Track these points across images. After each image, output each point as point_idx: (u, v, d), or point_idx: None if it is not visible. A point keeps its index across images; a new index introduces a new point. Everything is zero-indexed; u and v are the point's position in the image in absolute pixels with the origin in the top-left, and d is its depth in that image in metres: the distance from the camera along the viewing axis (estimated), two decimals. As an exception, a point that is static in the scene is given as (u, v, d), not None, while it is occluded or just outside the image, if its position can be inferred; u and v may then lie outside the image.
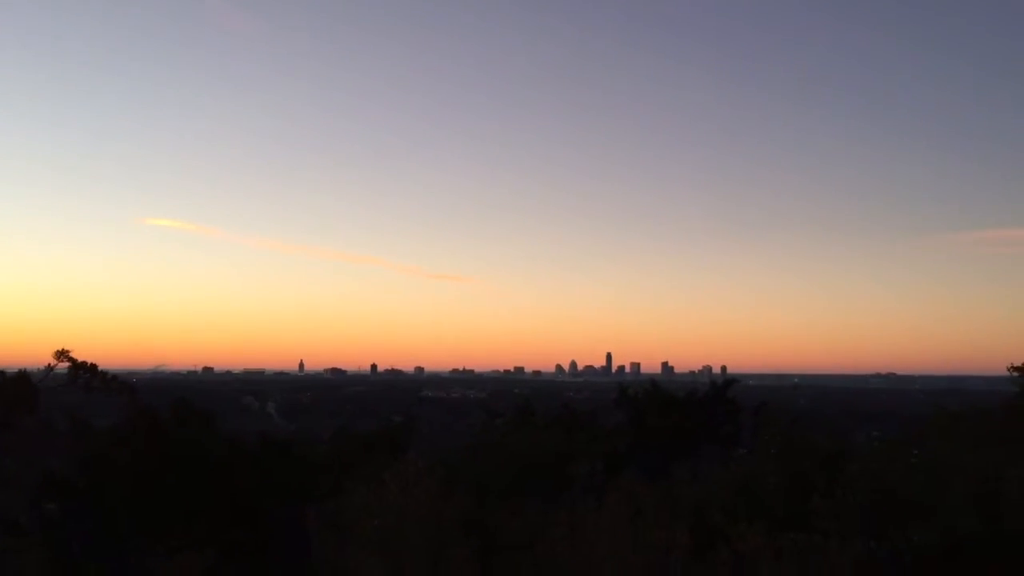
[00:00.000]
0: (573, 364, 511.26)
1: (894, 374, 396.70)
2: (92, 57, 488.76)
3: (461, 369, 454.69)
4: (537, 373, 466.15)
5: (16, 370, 26.81)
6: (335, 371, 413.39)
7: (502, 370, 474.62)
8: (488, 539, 20.15)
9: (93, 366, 25.33)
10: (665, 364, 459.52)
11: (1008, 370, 24.81)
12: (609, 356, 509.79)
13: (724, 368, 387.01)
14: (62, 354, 24.44)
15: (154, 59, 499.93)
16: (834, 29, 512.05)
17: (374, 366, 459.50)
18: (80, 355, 25.44)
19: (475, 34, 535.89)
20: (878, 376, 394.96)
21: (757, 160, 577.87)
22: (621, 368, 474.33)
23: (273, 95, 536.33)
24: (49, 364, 24.76)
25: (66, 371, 24.93)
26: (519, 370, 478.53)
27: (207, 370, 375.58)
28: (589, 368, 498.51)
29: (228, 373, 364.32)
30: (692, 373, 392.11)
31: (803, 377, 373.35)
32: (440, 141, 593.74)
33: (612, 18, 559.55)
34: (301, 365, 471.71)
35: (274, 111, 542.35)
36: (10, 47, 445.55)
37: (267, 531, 26.30)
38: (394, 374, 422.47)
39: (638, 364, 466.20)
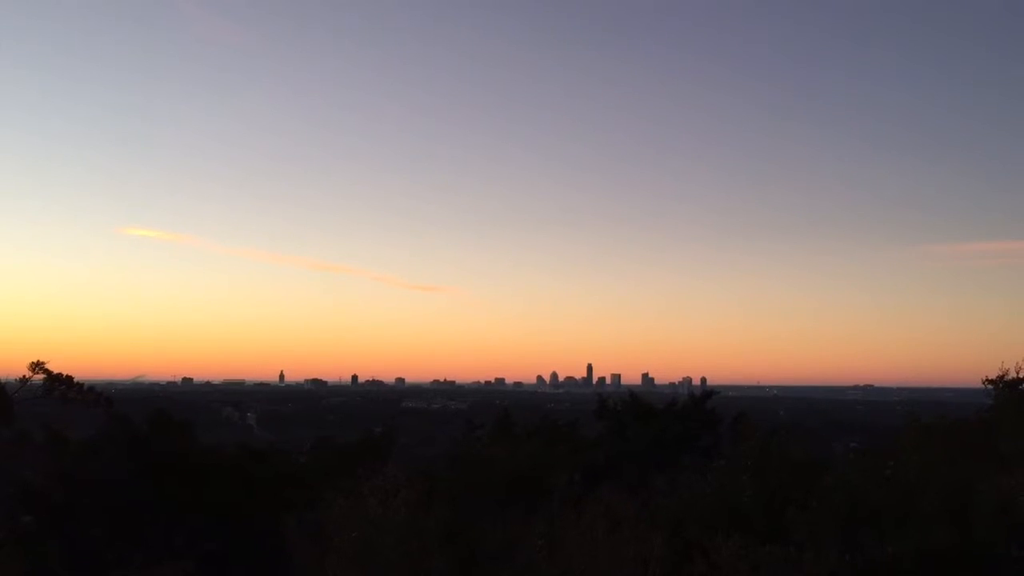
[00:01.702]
0: (554, 375, 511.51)
1: (872, 386, 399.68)
2: (70, 66, 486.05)
3: (442, 380, 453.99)
4: (518, 384, 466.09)
5: (-10, 383, 26.64)
6: (316, 382, 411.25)
7: (483, 381, 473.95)
8: (468, 550, 20.19)
9: (69, 378, 25.20)
10: (645, 375, 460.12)
11: (983, 383, 25.16)
12: (590, 367, 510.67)
13: (704, 380, 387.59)
14: (37, 366, 24.31)
15: (132, 68, 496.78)
16: (828, 38, 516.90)
17: (355, 377, 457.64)
18: (58, 366, 25.40)
19: (456, 43, 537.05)
20: (856, 388, 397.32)
21: (740, 172, 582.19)
22: (602, 379, 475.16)
23: (252, 105, 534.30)
24: (24, 376, 24.62)
25: (42, 382, 24.78)
26: (500, 381, 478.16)
27: (187, 381, 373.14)
28: (570, 379, 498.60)
29: (208, 384, 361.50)
30: (672, 385, 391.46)
31: (782, 389, 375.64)
32: (421, 150, 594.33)
33: (600, 28, 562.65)
34: (281, 376, 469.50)
35: (253, 121, 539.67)
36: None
37: (245, 542, 26.23)
38: (375, 385, 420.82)
39: (619, 375, 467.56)
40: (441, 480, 28.53)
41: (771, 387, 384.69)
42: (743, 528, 16.71)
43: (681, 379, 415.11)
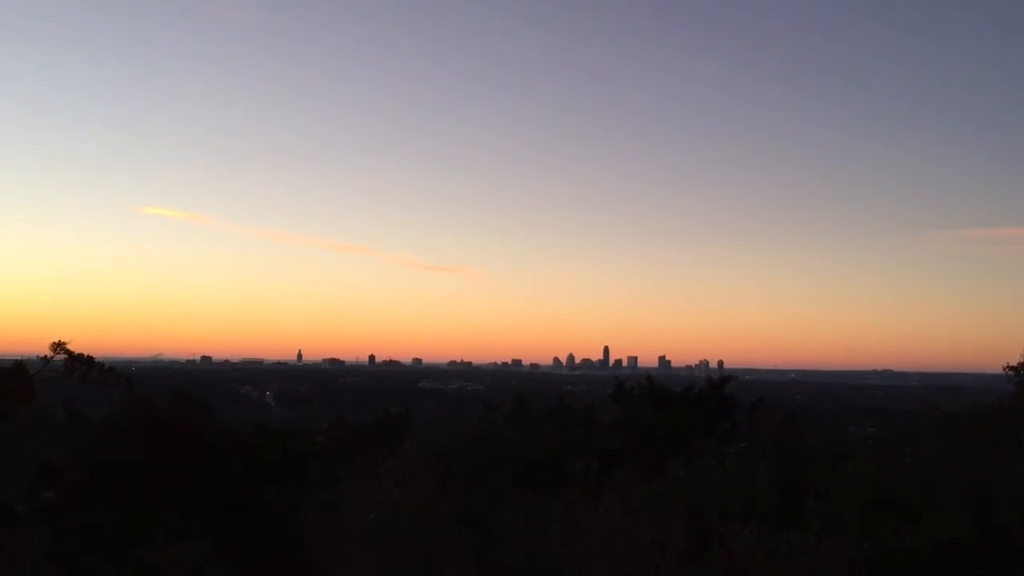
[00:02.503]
0: (571, 357, 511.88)
1: (891, 371, 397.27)
2: (87, 46, 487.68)
3: (459, 361, 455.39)
4: (535, 366, 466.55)
5: (13, 360, 26.81)
6: (333, 361, 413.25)
7: (500, 362, 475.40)
8: (483, 533, 20.20)
9: (89, 358, 25.33)
10: (662, 358, 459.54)
11: (1004, 369, 24.85)
12: (606, 350, 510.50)
13: (721, 363, 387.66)
14: (58, 346, 24.45)
15: (148, 48, 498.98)
16: (834, 27, 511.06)
17: (372, 357, 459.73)
18: (78, 345, 25.48)
19: (473, 23, 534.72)
20: (875, 373, 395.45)
21: (757, 155, 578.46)
22: (618, 362, 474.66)
23: (269, 84, 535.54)
24: (45, 356, 24.78)
25: (63, 362, 24.95)
26: (517, 363, 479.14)
27: (206, 359, 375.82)
28: (586, 361, 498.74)
29: (227, 362, 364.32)
30: (689, 368, 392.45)
31: (800, 373, 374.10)
32: (440, 131, 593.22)
33: (616, 12, 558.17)
34: (299, 355, 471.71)
35: (271, 100, 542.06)
36: (5, 39, 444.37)
37: (262, 523, 26.37)
38: (392, 365, 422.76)
39: (635, 358, 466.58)
40: (457, 462, 28.57)
41: (789, 371, 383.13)
42: (760, 516, 16.59)
43: (698, 362, 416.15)
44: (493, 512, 22.33)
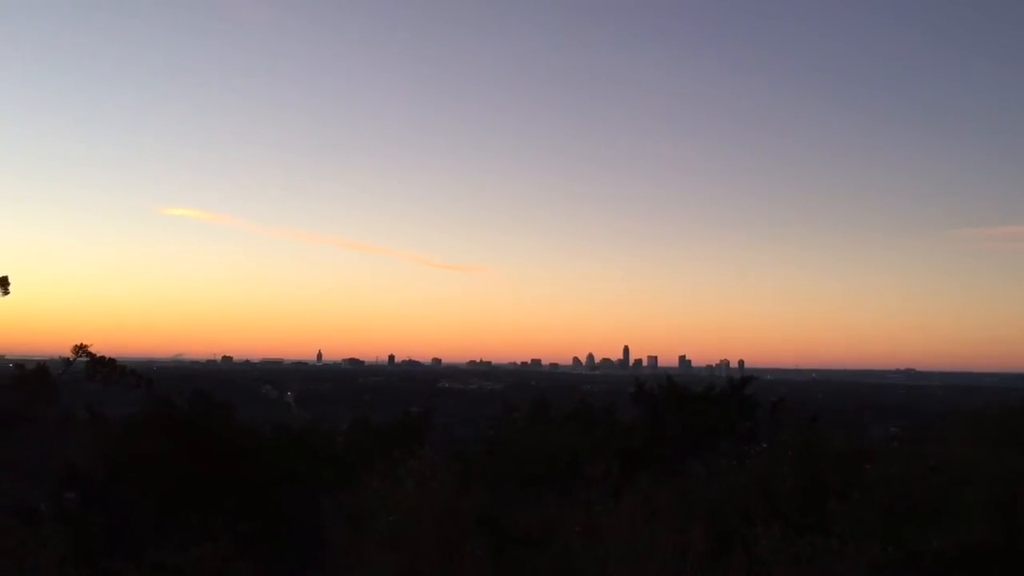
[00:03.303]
0: (590, 357, 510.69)
1: (913, 370, 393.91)
2: (108, 50, 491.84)
3: (478, 361, 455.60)
4: (554, 365, 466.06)
5: (36, 362, 27.06)
6: (353, 361, 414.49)
7: (519, 362, 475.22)
8: (503, 535, 20.13)
9: (111, 360, 25.49)
10: (682, 358, 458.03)
11: (1028, 369, 24.51)
12: (626, 349, 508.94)
13: (742, 362, 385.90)
14: (80, 349, 24.62)
15: (167, 50, 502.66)
16: (859, 21, 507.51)
17: (392, 357, 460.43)
18: (100, 344, 25.64)
19: (486, 25, 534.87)
20: (897, 372, 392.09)
21: (777, 156, 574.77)
22: (638, 361, 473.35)
23: (290, 85, 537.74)
24: (68, 358, 24.97)
25: (85, 364, 25.14)
26: (536, 362, 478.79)
27: (226, 359, 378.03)
28: (606, 361, 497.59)
29: (247, 362, 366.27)
30: (710, 367, 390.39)
31: (821, 372, 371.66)
32: (458, 131, 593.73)
33: (629, 12, 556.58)
34: (319, 355, 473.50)
35: (289, 101, 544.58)
36: (27, 41, 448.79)
37: (282, 524, 26.44)
38: (411, 365, 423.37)
39: (655, 357, 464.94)
40: (478, 463, 28.53)
41: (810, 370, 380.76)
42: (783, 518, 16.42)
43: (719, 362, 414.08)
44: (513, 514, 22.25)
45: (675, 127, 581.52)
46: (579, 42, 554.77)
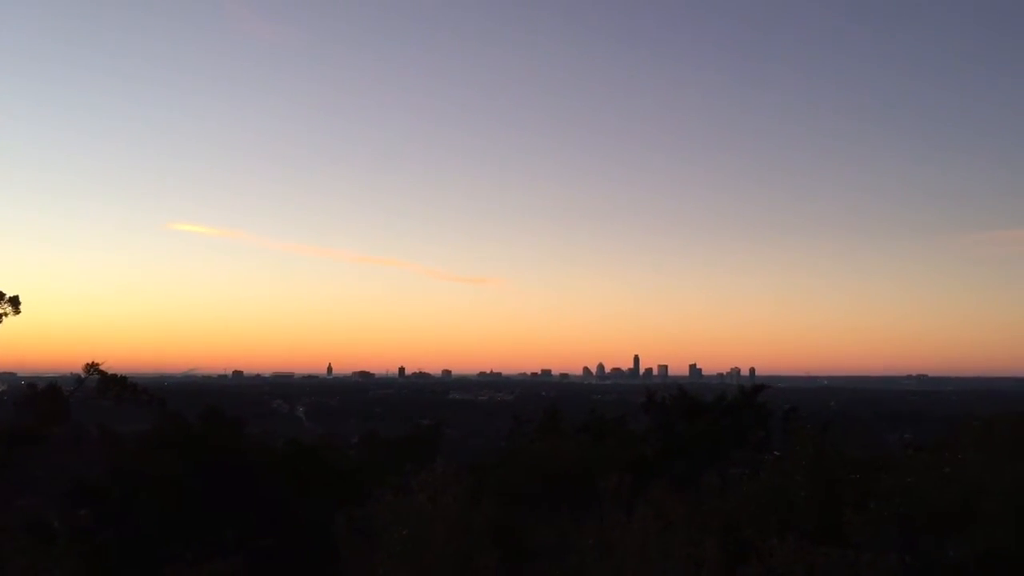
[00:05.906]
0: (600, 367, 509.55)
1: (926, 376, 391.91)
2: (119, 67, 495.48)
3: (488, 372, 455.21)
4: (564, 375, 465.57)
5: (48, 379, 27.18)
6: (363, 374, 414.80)
7: (529, 373, 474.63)
8: (516, 548, 20.03)
9: (123, 379, 25.59)
10: (693, 366, 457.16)
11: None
12: (637, 359, 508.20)
13: (753, 370, 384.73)
14: (92, 367, 24.72)
15: (179, 67, 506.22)
16: (872, 29, 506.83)
17: (402, 369, 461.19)
18: (111, 360, 25.74)
19: (500, 41, 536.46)
20: (910, 377, 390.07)
21: (788, 165, 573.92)
22: (649, 371, 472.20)
23: (299, 102, 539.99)
24: (80, 376, 25.08)
25: (97, 382, 25.23)
26: (546, 373, 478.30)
27: (237, 374, 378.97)
28: (616, 371, 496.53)
29: (258, 376, 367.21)
30: (720, 375, 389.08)
31: (833, 379, 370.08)
32: (467, 146, 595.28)
33: (635, 21, 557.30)
34: (329, 368, 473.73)
35: (300, 117, 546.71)
36: (40, 59, 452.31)
37: (295, 538, 26.38)
38: (422, 377, 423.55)
39: (666, 366, 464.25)
40: (490, 476, 28.42)
41: (822, 377, 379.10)
42: (798, 529, 16.30)
43: (730, 370, 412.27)
44: (526, 527, 22.15)
45: (684, 140, 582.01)
46: (593, 58, 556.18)
